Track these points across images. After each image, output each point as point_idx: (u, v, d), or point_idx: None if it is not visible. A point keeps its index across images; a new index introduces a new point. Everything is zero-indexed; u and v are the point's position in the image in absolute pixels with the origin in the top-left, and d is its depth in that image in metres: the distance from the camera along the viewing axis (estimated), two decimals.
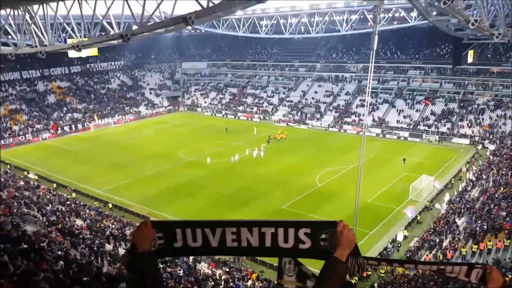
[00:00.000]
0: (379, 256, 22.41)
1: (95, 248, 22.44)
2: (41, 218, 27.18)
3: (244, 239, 2.34)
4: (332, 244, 2.23)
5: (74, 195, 36.45)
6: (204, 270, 23.33)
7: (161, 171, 43.13)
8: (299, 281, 2.60)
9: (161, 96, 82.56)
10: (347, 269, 2.22)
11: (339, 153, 47.44)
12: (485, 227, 25.27)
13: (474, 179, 36.27)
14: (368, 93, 18.81)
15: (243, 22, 72.95)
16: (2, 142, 55.63)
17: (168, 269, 20.45)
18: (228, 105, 77.59)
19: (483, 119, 54.62)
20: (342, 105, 66.86)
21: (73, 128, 64.36)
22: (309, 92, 73.51)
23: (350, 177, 36.00)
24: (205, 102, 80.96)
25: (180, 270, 21.78)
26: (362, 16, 62.92)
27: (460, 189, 34.95)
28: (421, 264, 2.66)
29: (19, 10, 23.56)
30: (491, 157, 41.45)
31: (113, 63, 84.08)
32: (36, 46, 25.86)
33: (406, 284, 20.31)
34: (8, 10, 24.03)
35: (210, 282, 20.31)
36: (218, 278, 21.80)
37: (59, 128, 62.75)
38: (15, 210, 27.08)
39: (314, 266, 2.59)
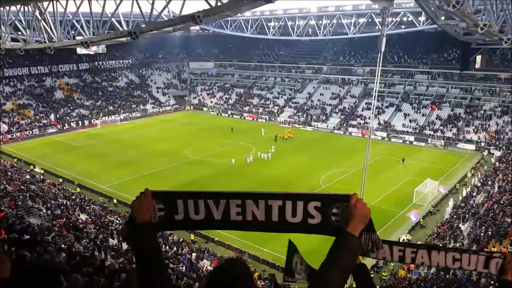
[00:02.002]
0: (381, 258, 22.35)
1: (99, 242, 22.58)
2: (45, 211, 27.39)
3: (250, 212, 2.21)
4: (344, 219, 2.10)
5: (78, 189, 36.73)
6: (206, 267, 23.40)
7: (167, 168, 43.31)
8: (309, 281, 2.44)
9: (167, 95, 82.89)
10: (360, 246, 2.09)
11: (344, 155, 47.38)
12: (489, 233, 25.12)
13: (479, 184, 36.07)
14: (375, 96, 18.77)
15: (251, 23, 73.29)
16: (9, 136, 56.16)
17: (171, 265, 20.55)
18: (234, 105, 77.75)
19: (489, 125, 54.28)
20: (348, 108, 66.76)
21: (80, 124, 64.83)
22: (315, 94, 73.50)
23: (354, 179, 35.95)
24: (211, 102, 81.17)
25: (182, 266, 21.88)
26: (370, 20, 62.89)
27: (465, 194, 34.77)
28: (435, 249, 2.50)
29: (29, 6, 23.82)
30: (497, 163, 41.22)
31: (121, 61, 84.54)
32: (45, 42, 26.14)
33: None
34: (18, 6, 24.32)
35: None
36: None
37: (66, 124, 63.21)
38: (20, 203, 27.30)
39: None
